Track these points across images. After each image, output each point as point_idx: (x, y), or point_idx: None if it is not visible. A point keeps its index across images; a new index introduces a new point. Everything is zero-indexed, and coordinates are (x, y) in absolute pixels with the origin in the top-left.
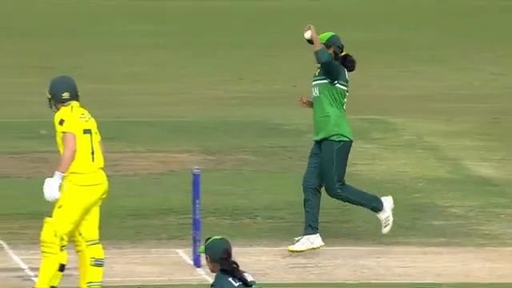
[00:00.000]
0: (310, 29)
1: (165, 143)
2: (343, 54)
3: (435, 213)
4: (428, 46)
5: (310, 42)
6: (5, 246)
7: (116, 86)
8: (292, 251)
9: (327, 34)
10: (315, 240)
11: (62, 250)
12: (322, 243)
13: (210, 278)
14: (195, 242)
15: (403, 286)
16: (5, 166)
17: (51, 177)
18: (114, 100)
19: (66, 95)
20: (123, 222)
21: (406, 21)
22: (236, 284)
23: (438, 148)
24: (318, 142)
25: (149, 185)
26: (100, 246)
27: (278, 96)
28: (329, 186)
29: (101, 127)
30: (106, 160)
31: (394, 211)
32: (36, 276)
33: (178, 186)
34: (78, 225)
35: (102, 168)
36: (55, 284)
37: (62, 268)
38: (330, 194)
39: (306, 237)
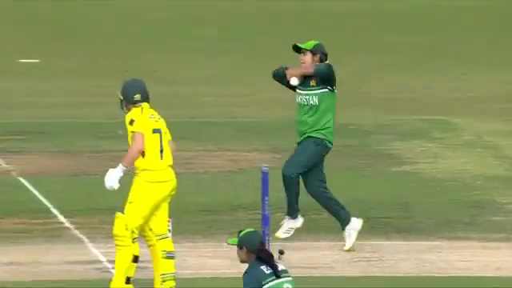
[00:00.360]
0: (294, 76)
1: (235, 142)
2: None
3: (494, 209)
4: (488, 49)
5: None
6: (85, 239)
7: (190, 88)
8: (347, 250)
9: (313, 42)
10: (356, 224)
11: (133, 242)
12: (358, 226)
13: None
14: (264, 236)
15: (464, 279)
16: (84, 164)
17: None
18: (187, 101)
19: (137, 97)
20: (195, 217)
21: (468, 24)
22: (267, 272)
23: (497, 147)
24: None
25: (219, 182)
26: (170, 239)
27: (343, 97)
28: (290, 167)
29: (174, 127)
30: (178, 158)
31: (455, 207)
32: (114, 268)
33: (247, 183)
34: (148, 220)
35: (170, 166)
36: (131, 275)
37: (135, 259)
38: (286, 172)
39: (346, 228)
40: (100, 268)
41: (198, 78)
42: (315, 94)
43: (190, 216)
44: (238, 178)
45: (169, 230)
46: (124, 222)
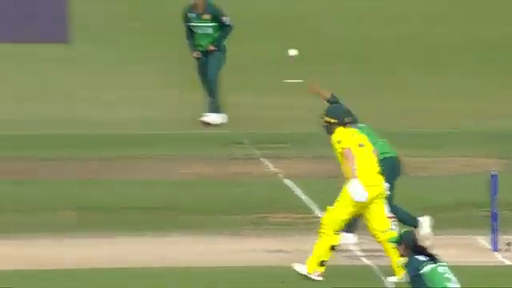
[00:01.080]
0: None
1: (466, 150)
2: None
3: None
4: None
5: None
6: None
7: (424, 103)
8: None
9: None
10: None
11: (335, 233)
12: None
13: (506, 261)
14: (494, 230)
15: None
16: (337, 168)
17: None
18: (419, 114)
19: (347, 119)
20: (432, 213)
21: None
22: (423, 259)
23: None
24: None
25: (453, 183)
26: (393, 231)
27: None
28: None
29: (408, 137)
30: (416, 163)
31: None
32: (363, 256)
33: (477, 184)
34: (368, 223)
35: (378, 172)
36: (326, 259)
37: (332, 248)
38: None
39: None
40: (350, 256)
41: (432, 93)
42: None
43: (428, 212)
44: (466, 180)
45: (395, 225)
46: (332, 214)
